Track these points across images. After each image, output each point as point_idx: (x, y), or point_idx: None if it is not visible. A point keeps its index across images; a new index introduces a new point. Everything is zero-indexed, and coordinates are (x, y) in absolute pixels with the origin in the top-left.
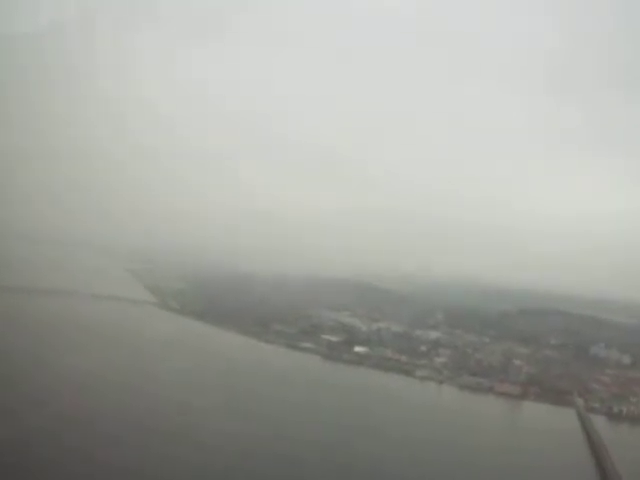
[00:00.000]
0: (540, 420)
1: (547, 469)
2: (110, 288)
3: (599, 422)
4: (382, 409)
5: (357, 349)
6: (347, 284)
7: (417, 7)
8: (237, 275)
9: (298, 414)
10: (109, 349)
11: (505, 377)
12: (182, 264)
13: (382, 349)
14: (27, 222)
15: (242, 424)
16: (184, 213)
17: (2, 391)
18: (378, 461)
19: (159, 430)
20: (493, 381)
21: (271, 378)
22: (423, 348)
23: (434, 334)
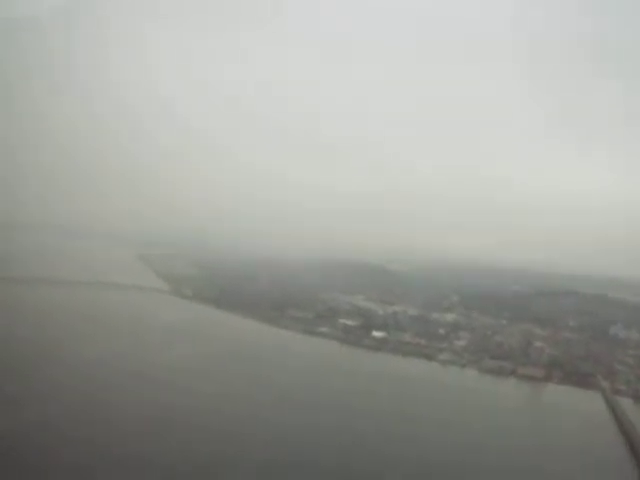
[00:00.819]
0: (566, 403)
1: (577, 450)
2: (121, 276)
3: (626, 405)
4: (405, 394)
5: (375, 334)
6: (358, 267)
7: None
8: (248, 260)
9: (318, 400)
10: (122, 338)
11: (527, 360)
12: (193, 250)
13: (400, 333)
14: (34, 212)
15: (259, 411)
16: (195, 200)
17: (7, 383)
18: (400, 446)
19: (170, 419)
20: (515, 364)
21: (289, 364)
22: (442, 331)
23: (451, 316)
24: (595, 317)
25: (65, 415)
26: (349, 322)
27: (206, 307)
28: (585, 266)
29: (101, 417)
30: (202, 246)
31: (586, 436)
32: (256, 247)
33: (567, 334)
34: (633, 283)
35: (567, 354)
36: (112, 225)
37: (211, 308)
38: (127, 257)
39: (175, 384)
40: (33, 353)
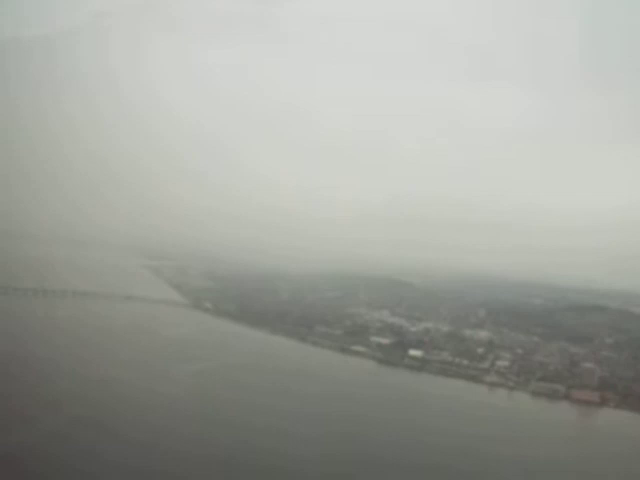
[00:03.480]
0: (627, 427)
1: None
2: (136, 289)
3: None
4: (463, 424)
5: (412, 353)
6: (378, 281)
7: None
8: (264, 272)
9: (367, 428)
10: (143, 350)
11: (577, 382)
12: (205, 261)
13: (438, 352)
14: (45, 224)
15: (303, 443)
16: (211, 211)
17: (20, 394)
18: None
19: (180, 433)
20: (566, 387)
21: (329, 388)
22: (480, 350)
23: (483, 334)
24: (628, 334)
25: (79, 427)
26: (382, 340)
27: (228, 321)
28: (608, 282)
29: (116, 430)
30: (214, 257)
31: None
32: (270, 258)
33: (606, 353)
34: None
35: (615, 375)
36: (123, 236)
37: (234, 322)
38: (139, 268)
39: (199, 402)
40: (46, 363)
